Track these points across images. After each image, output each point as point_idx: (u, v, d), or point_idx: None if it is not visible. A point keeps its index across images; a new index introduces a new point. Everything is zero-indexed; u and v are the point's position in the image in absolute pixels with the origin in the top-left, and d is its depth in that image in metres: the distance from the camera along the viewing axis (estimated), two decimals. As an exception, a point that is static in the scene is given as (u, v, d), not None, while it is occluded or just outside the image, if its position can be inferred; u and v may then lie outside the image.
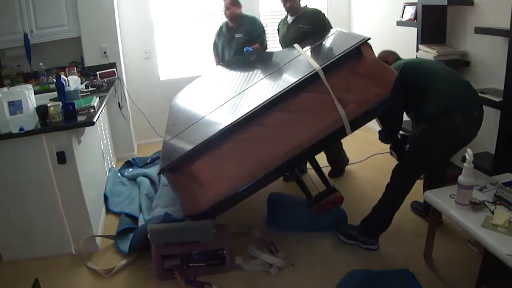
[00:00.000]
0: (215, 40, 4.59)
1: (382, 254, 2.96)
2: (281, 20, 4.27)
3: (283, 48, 4.19)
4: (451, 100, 2.72)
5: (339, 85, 2.68)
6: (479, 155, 3.34)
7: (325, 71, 2.67)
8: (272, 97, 2.65)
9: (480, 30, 3.29)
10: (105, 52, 4.72)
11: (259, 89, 3.12)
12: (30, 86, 3.14)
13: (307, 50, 3.26)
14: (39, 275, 2.72)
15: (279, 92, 2.66)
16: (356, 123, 2.73)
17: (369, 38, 2.75)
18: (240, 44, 4.30)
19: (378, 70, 2.71)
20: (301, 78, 2.67)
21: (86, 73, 4.61)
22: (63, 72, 4.31)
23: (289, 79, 2.77)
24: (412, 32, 4.10)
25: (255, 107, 2.66)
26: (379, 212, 2.92)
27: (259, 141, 2.68)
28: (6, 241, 3.10)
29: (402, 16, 4.29)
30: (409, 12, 4.17)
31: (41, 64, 4.38)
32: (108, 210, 3.78)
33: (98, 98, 3.47)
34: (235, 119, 2.67)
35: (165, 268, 2.81)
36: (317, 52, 3.15)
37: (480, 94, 3.28)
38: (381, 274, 2.63)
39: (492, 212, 2.27)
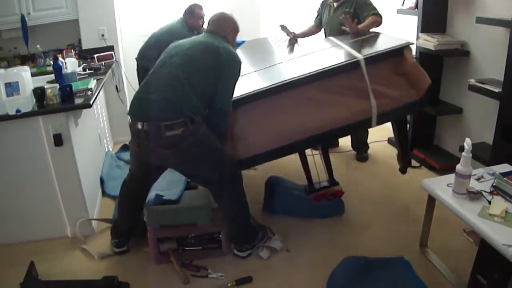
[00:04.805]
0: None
1: (378, 242, 2.97)
2: (323, 1, 4.16)
3: (326, 31, 4.13)
4: None
5: (377, 78, 2.74)
6: (477, 145, 3.35)
7: (366, 63, 2.72)
8: (310, 72, 2.69)
9: (481, 20, 3.26)
10: (103, 35, 4.68)
11: (296, 64, 3.18)
12: (27, 68, 3.11)
13: (347, 43, 3.29)
14: (35, 258, 2.74)
15: (319, 69, 2.70)
16: (383, 117, 2.81)
17: (412, 43, 2.83)
18: None
19: (416, 74, 2.77)
20: (342, 62, 2.74)
21: (84, 55, 4.57)
22: (60, 55, 4.28)
23: (330, 61, 2.83)
24: (412, 21, 4.09)
25: (290, 78, 2.69)
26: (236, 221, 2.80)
27: (286, 111, 2.71)
28: (2, 224, 3.08)
29: (403, 4, 4.27)
30: (410, 0, 4.14)
31: (38, 46, 4.36)
32: (104, 194, 3.78)
33: (95, 81, 3.44)
34: (267, 85, 2.70)
35: (161, 251, 2.81)
36: (359, 46, 3.19)
37: (479, 84, 3.29)
38: (376, 261, 2.64)
39: (489, 202, 2.28)
